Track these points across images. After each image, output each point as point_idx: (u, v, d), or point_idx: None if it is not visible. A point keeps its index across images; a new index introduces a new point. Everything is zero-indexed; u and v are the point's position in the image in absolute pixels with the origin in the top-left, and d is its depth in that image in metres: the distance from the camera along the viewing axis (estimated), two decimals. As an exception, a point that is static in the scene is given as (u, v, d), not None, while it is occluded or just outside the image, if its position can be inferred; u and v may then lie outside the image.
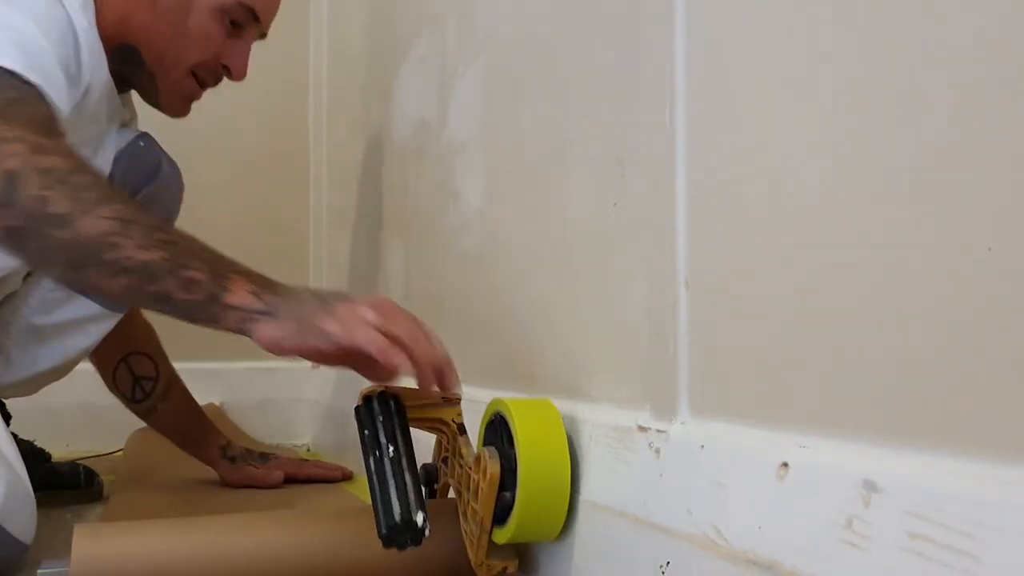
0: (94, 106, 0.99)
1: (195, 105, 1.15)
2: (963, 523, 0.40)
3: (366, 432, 0.71)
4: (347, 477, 1.32)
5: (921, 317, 0.45)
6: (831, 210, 0.51)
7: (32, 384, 1.16)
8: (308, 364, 1.89)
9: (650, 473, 0.64)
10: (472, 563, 0.73)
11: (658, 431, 0.65)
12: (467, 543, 0.74)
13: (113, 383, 1.26)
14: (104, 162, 1.08)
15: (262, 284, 0.71)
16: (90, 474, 1.25)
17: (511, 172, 0.96)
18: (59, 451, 1.34)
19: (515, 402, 0.73)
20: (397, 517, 0.66)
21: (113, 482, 1.30)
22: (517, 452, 0.69)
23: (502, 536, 0.71)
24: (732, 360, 0.60)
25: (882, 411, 0.47)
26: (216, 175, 1.83)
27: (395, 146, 1.39)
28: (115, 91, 1.05)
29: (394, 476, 0.68)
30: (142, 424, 1.31)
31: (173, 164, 1.17)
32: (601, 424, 0.71)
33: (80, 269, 0.71)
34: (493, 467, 0.70)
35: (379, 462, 0.69)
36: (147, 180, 1.12)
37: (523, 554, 0.77)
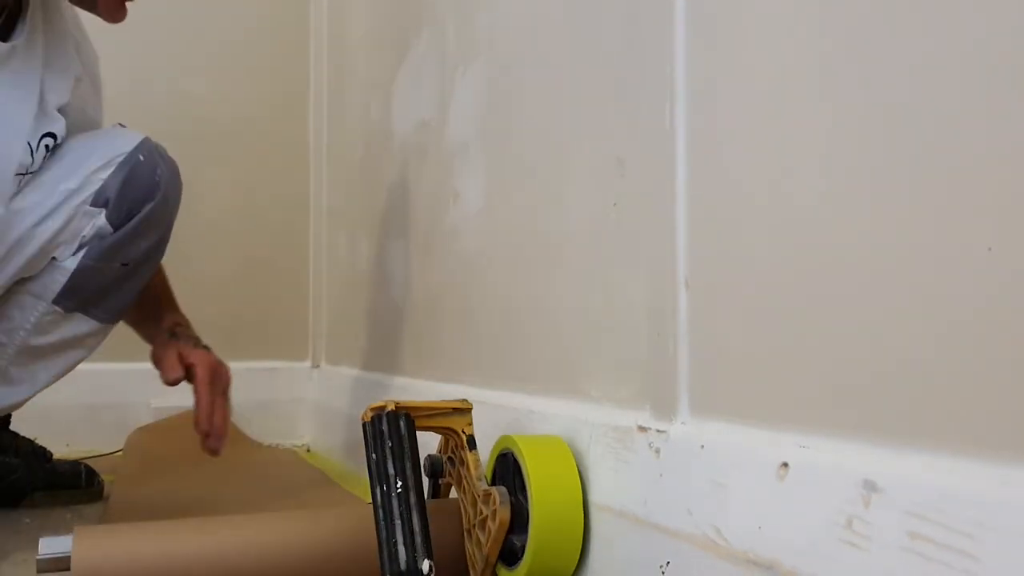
0: None
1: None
2: (963, 523, 0.40)
3: (374, 457, 0.70)
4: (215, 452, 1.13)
5: (921, 317, 0.45)
6: (831, 210, 0.51)
7: (31, 396, 1.15)
8: (308, 363, 1.90)
9: (650, 473, 0.64)
10: None
11: (658, 431, 0.65)
12: (468, 562, 0.75)
13: None
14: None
15: None
16: (91, 473, 1.25)
17: (511, 172, 0.96)
18: (59, 451, 1.34)
19: (528, 447, 0.72)
20: (403, 564, 0.65)
21: (113, 482, 1.30)
22: (531, 524, 0.69)
23: None
24: (732, 360, 0.60)
25: (882, 411, 0.47)
26: (216, 175, 1.83)
27: (395, 146, 1.39)
28: None
29: (401, 516, 0.68)
30: (142, 424, 1.31)
31: (171, 166, 1.13)
32: (601, 424, 0.71)
33: None
34: (503, 513, 0.71)
35: (386, 497, 0.68)
36: (147, 198, 1.09)
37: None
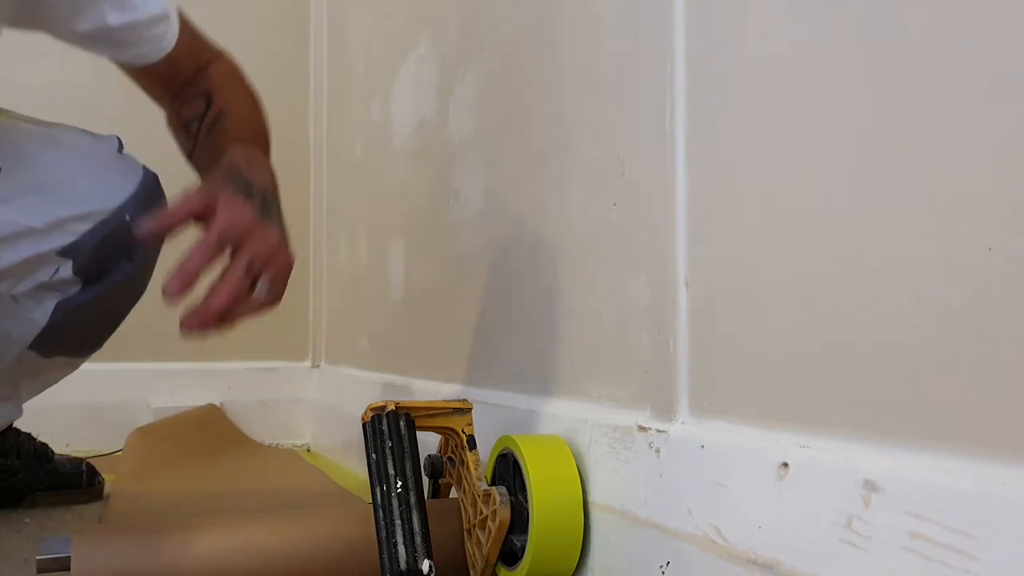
0: None
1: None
2: (963, 523, 0.40)
3: (374, 457, 0.71)
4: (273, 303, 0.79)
5: (921, 317, 0.45)
6: (831, 210, 0.51)
7: (20, 414, 1.15)
8: (308, 363, 1.90)
9: (650, 473, 0.64)
10: None
11: (658, 431, 0.65)
12: (469, 562, 0.75)
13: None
14: None
15: None
16: (92, 472, 1.25)
17: (511, 172, 0.96)
18: (59, 451, 1.34)
19: (528, 447, 0.72)
20: (403, 565, 0.66)
21: (113, 482, 1.30)
22: (531, 524, 0.70)
23: None
24: (732, 360, 0.60)
25: (882, 411, 0.47)
26: (216, 175, 1.83)
27: (395, 146, 1.39)
28: None
29: (401, 517, 0.68)
30: (142, 424, 1.31)
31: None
32: (601, 424, 0.71)
33: None
34: (503, 513, 0.71)
35: (386, 497, 0.69)
36: (121, 265, 1.00)
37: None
